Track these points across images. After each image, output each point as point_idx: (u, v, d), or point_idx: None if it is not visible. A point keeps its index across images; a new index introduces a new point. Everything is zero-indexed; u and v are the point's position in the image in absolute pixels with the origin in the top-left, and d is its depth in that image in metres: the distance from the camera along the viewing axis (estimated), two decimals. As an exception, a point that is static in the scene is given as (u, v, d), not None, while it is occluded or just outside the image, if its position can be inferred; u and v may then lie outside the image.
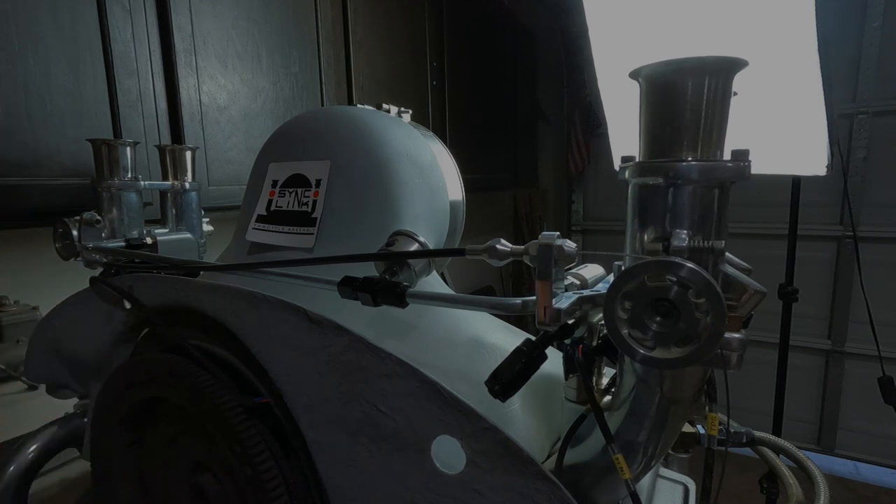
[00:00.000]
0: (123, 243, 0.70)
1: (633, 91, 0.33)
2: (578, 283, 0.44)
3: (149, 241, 0.74)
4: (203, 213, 0.89)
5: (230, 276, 0.59)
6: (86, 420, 0.69)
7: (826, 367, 2.56)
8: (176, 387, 0.46)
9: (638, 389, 0.37)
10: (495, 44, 2.44)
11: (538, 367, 0.37)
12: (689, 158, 0.31)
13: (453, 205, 0.66)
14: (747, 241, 2.55)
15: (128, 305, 0.56)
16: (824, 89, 0.91)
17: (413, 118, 0.72)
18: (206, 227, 0.91)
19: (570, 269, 0.44)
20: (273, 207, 0.63)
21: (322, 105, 1.44)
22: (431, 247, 0.45)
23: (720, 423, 0.46)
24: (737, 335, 0.30)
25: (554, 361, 0.41)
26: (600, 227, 3.07)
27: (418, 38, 1.88)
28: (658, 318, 0.30)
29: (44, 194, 0.88)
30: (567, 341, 0.42)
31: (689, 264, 0.28)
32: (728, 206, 0.32)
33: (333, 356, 0.39)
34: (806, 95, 0.92)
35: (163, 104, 1.07)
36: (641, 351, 0.30)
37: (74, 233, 0.68)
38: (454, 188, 0.67)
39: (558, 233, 0.34)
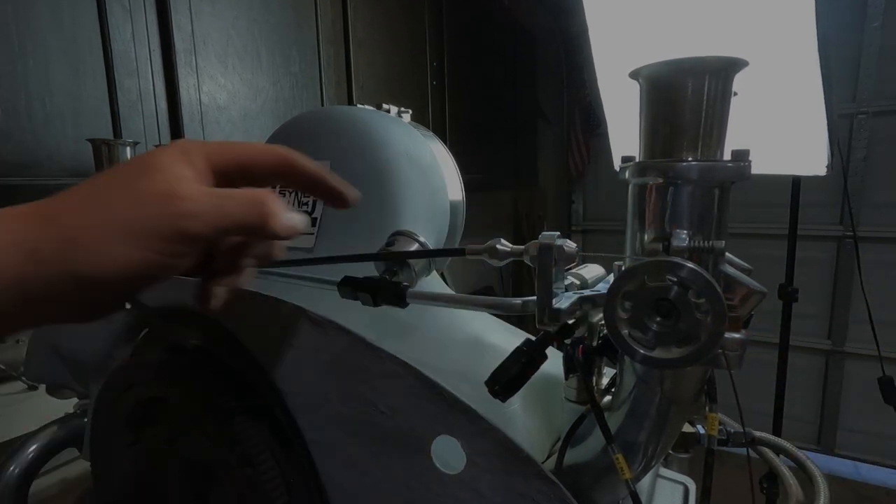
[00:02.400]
0: (123, 243, 0.70)
1: (633, 91, 0.33)
2: (578, 283, 0.44)
3: (149, 241, 0.74)
4: (203, 213, 0.89)
5: (230, 276, 0.59)
6: (86, 420, 0.69)
7: (826, 367, 2.56)
8: (176, 387, 0.46)
9: (638, 389, 0.37)
10: (495, 44, 2.44)
11: (538, 368, 0.37)
12: (689, 158, 0.31)
13: (453, 205, 0.66)
14: (747, 241, 2.55)
15: (128, 305, 0.56)
16: (824, 89, 0.91)
17: (413, 118, 0.72)
18: (206, 227, 0.91)
19: (570, 269, 0.44)
20: (273, 207, 0.63)
21: (322, 105, 1.44)
22: (431, 247, 0.45)
23: (720, 423, 0.46)
24: (737, 335, 0.30)
25: (554, 361, 0.41)
26: (600, 227, 3.07)
27: (418, 38, 1.88)
28: (658, 318, 0.30)
29: (44, 194, 0.88)
30: (567, 341, 0.42)
31: (690, 264, 0.28)
32: (728, 206, 0.32)
33: (333, 356, 0.39)
34: (806, 95, 0.93)
35: (163, 104, 1.07)
36: (641, 351, 0.30)
37: (74, 233, 0.68)
38: (454, 188, 0.67)
39: (558, 233, 0.34)
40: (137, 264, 0.25)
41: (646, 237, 0.33)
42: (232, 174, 0.30)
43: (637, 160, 0.33)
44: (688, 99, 0.30)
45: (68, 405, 0.73)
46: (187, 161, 0.28)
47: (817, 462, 0.51)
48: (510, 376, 0.35)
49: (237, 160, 0.30)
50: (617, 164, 0.63)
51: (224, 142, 0.31)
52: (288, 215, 0.29)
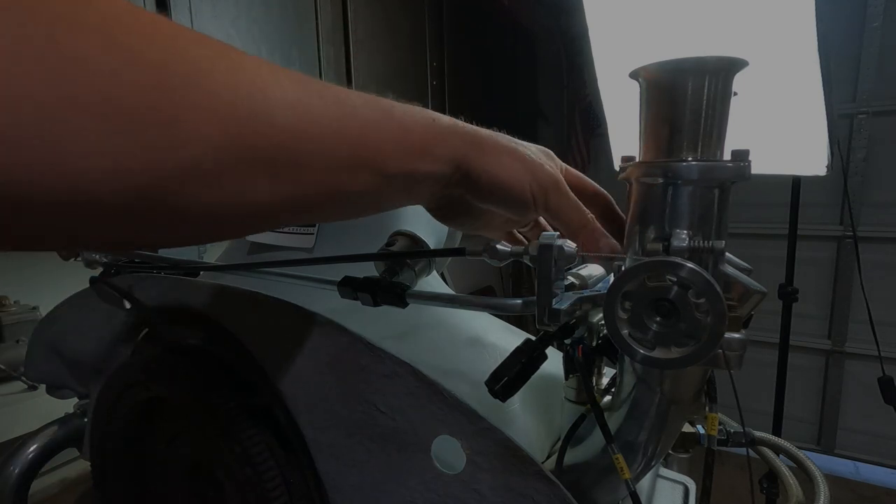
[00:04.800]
0: (123, 243, 0.70)
1: (633, 91, 0.33)
2: (578, 283, 0.44)
3: (149, 241, 0.74)
4: (203, 213, 0.89)
5: (230, 276, 0.59)
6: (86, 420, 0.69)
7: (826, 367, 2.56)
8: (176, 387, 0.46)
9: (638, 389, 0.37)
10: (495, 44, 2.44)
11: (538, 368, 0.37)
12: (689, 158, 0.31)
13: (453, 205, 0.66)
14: (747, 241, 2.55)
15: (128, 305, 0.56)
16: (824, 89, 0.91)
17: (413, 118, 0.72)
18: (206, 227, 0.91)
19: (570, 269, 0.44)
20: (273, 207, 0.62)
21: (322, 105, 1.44)
22: (431, 247, 0.45)
23: (720, 423, 0.46)
24: (737, 335, 0.30)
25: (554, 361, 0.41)
26: (600, 227, 3.06)
27: (418, 38, 1.88)
28: (658, 319, 0.30)
29: (44, 194, 0.88)
30: (567, 341, 0.42)
31: (690, 264, 0.28)
32: (728, 206, 0.32)
33: (333, 356, 0.39)
34: (806, 95, 0.93)
35: (163, 104, 1.06)
36: (641, 351, 0.30)
37: (74, 233, 0.68)
38: (454, 188, 0.67)
39: (558, 233, 0.34)
40: (520, 181, 0.34)
41: (646, 237, 0.33)
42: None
43: (637, 160, 0.33)
44: (688, 99, 0.30)
45: (68, 405, 0.73)
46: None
47: (817, 462, 0.51)
48: (510, 376, 0.35)
49: (576, 181, 0.40)
50: (617, 164, 0.63)
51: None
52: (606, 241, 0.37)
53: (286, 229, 0.60)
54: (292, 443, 0.42)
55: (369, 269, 0.44)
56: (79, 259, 0.69)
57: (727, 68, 0.30)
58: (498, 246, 0.37)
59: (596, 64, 0.99)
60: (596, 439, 0.42)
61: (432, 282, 0.57)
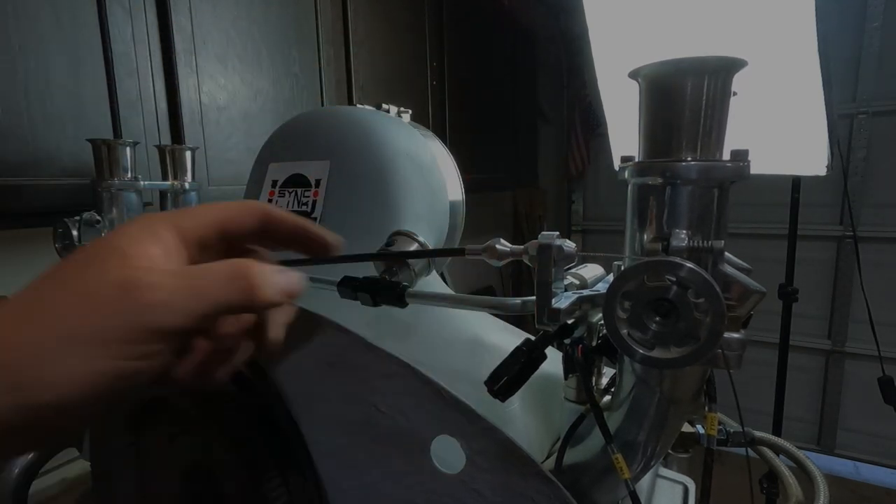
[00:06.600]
0: (123, 243, 0.70)
1: (633, 91, 0.33)
2: (578, 283, 0.44)
3: (149, 241, 0.74)
4: (203, 213, 0.89)
5: (230, 276, 0.59)
6: (86, 420, 0.69)
7: (826, 367, 2.56)
8: (175, 387, 0.46)
9: (637, 389, 0.37)
10: (495, 44, 2.44)
11: (538, 368, 0.37)
12: (689, 158, 0.31)
13: (453, 205, 0.66)
14: (747, 241, 2.55)
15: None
16: (824, 89, 0.91)
17: (413, 118, 0.72)
18: (206, 227, 0.91)
19: (569, 269, 0.44)
20: (273, 207, 0.63)
21: (322, 105, 1.44)
22: (431, 247, 0.45)
23: (720, 423, 0.46)
24: (736, 335, 0.30)
25: (554, 361, 0.41)
26: (600, 227, 3.07)
27: (418, 38, 1.88)
28: (657, 318, 0.30)
29: (44, 194, 0.88)
30: (567, 341, 0.42)
31: (689, 264, 0.28)
32: (728, 206, 0.32)
33: (333, 356, 0.39)
34: (806, 95, 0.93)
35: (163, 104, 1.07)
36: (641, 351, 0.30)
37: (74, 233, 0.68)
38: (454, 188, 0.67)
39: (558, 233, 0.34)
40: (98, 377, 0.21)
41: (645, 237, 0.33)
42: (209, 240, 0.27)
43: (637, 160, 0.33)
44: (687, 99, 0.30)
45: (68, 405, 0.73)
46: (153, 237, 0.24)
47: (817, 462, 0.51)
48: (509, 376, 0.35)
49: (213, 224, 0.27)
50: (617, 164, 0.63)
51: (194, 207, 0.28)
52: (277, 278, 0.26)
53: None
54: (292, 443, 0.42)
55: (369, 270, 0.44)
56: (79, 259, 0.69)
57: (727, 68, 0.30)
58: (498, 246, 0.37)
59: (596, 64, 0.99)
60: (595, 439, 0.42)
61: (432, 282, 0.57)
